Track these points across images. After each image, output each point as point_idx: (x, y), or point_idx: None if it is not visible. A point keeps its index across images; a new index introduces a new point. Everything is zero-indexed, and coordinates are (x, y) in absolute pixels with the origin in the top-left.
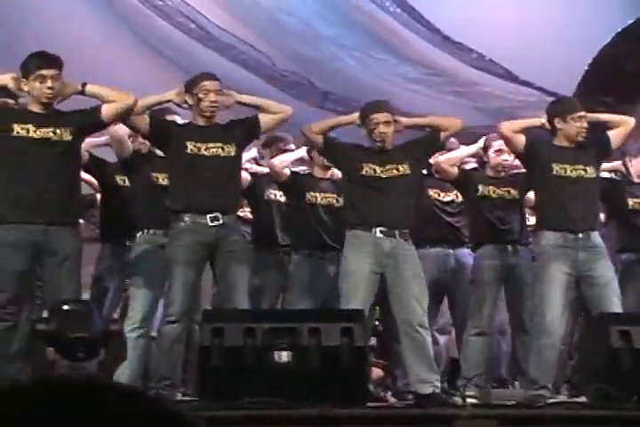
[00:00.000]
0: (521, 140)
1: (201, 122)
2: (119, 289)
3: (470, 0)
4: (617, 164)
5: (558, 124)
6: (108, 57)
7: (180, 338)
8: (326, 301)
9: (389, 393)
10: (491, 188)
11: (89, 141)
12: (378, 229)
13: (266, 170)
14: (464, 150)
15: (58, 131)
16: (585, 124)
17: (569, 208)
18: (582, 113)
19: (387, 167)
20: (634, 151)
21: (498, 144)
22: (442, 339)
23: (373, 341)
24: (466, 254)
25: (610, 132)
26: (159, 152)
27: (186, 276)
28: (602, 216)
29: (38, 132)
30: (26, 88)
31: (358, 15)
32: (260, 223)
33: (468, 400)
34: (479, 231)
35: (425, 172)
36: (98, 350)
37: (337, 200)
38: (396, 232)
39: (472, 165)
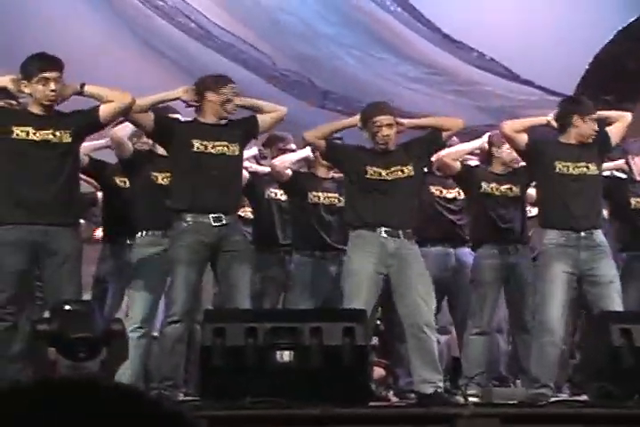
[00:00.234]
0: (523, 138)
1: (209, 120)
2: (120, 289)
3: (472, 2)
4: (620, 162)
5: (576, 121)
6: (108, 57)
7: (182, 338)
8: (327, 300)
9: (391, 392)
10: (494, 185)
11: (88, 145)
12: (382, 229)
13: (266, 169)
14: (467, 145)
15: (58, 133)
16: (597, 127)
17: (571, 206)
18: (596, 115)
19: (392, 169)
20: (636, 150)
21: None
22: (443, 338)
23: (375, 340)
24: (466, 253)
25: (609, 129)
26: (160, 151)
27: (188, 276)
28: (605, 213)
29: (38, 135)
30: (27, 90)
31: (358, 14)
32: (261, 223)
33: (470, 399)
34: (480, 229)
35: (425, 169)
36: (99, 350)
37: (339, 200)
38: (400, 232)
39: (474, 162)
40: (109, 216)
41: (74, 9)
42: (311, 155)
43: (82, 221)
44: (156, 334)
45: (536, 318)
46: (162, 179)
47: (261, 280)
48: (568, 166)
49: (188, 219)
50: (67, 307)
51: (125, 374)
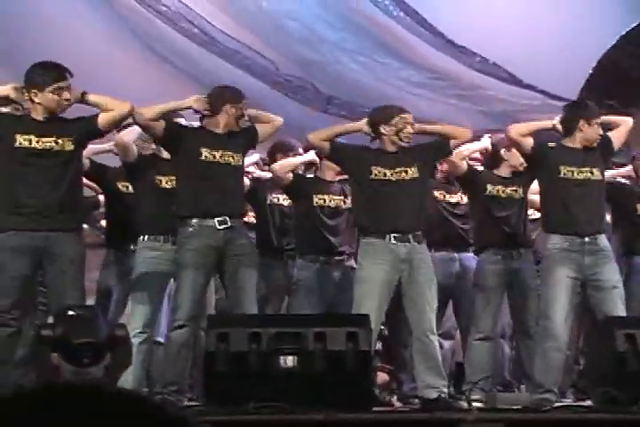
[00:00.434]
0: (529, 142)
1: (217, 130)
2: (124, 295)
3: (475, 6)
4: (626, 169)
5: (582, 126)
6: (111, 62)
7: (188, 343)
8: (331, 306)
9: (395, 398)
10: (499, 187)
11: (90, 148)
12: (392, 236)
13: (269, 175)
14: (473, 145)
15: (60, 140)
16: (601, 131)
17: (575, 211)
18: (600, 120)
19: (396, 170)
20: None
21: None
22: (447, 343)
23: (379, 345)
24: (470, 258)
25: (611, 133)
26: (164, 155)
27: (195, 280)
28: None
29: (40, 143)
30: (37, 99)
31: (362, 20)
32: (264, 228)
33: (474, 404)
34: (485, 233)
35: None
36: (103, 356)
37: (344, 202)
38: (410, 236)
39: (479, 168)
40: (112, 222)
41: (76, 13)
42: (316, 159)
43: (85, 226)
44: (159, 339)
45: (540, 323)
46: (166, 182)
47: (264, 285)
48: (573, 171)
49: (194, 223)
50: (70, 312)
51: (127, 379)
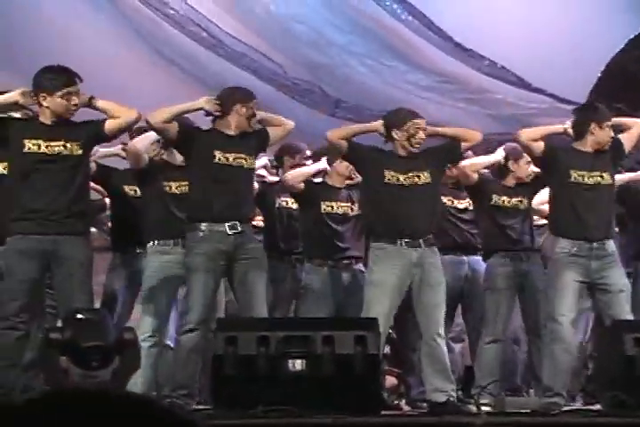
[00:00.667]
0: (540, 146)
1: (229, 132)
2: (130, 299)
3: (483, 9)
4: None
5: (594, 129)
6: (119, 65)
7: (198, 347)
8: (340, 309)
9: (403, 401)
10: (505, 198)
11: (99, 151)
12: (403, 241)
13: (276, 178)
14: (487, 158)
15: (68, 144)
16: (612, 134)
17: (585, 216)
18: (611, 122)
19: (409, 175)
20: None
21: None
22: (456, 347)
23: (387, 349)
24: (479, 262)
25: (622, 136)
26: (174, 162)
27: (205, 283)
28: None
29: (49, 148)
30: (45, 103)
31: (370, 23)
32: (272, 231)
33: (483, 408)
34: (491, 240)
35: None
36: (112, 359)
37: (352, 209)
38: (421, 241)
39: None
40: (118, 225)
41: (83, 16)
42: (328, 167)
43: (92, 229)
44: (168, 342)
45: (547, 327)
46: (175, 188)
47: (272, 289)
48: (583, 175)
49: (204, 228)
50: (79, 316)
51: (137, 383)
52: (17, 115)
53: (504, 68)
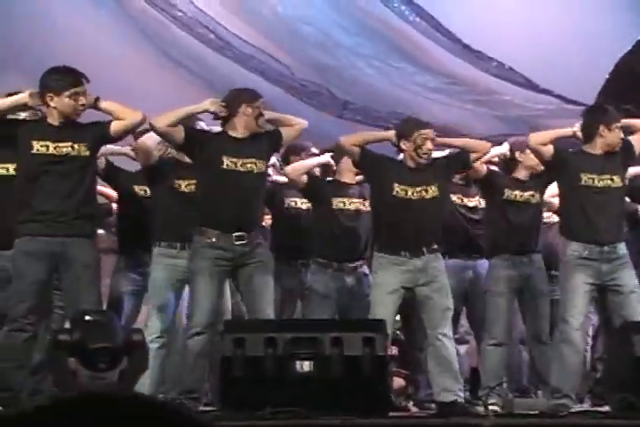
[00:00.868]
0: (549, 149)
1: (238, 134)
2: (136, 301)
3: (485, 10)
4: None
5: (603, 131)
6: (126, 67)
7: (204, 351)
8: (344, 311)
9: (411, 403)
10: (517, 192)
11: (107, 148)
12: (407, 253)
13: (284, 178)
14: (493, 150)
15: (76, 146)
16: (622, 135)
17: (595, 220)
18: (621, 123)
19: (417, 189)
20: None
21: None
22: (461, 349)
23: (395, 350)
24: (483, 265)
25: (632, 137)
26: (185, 159)
27: (210, 287)
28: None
29: (57, 149)
30: (52, 104)
31: (377, 25)
32: (279, 231)
33: (491, 409)
34: (497, 236)
35: None
36: (120, 361)
37: (363, 205)
38: (424, 249)
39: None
40: (126, 227)
41: (89, 17)
42: (331, 161)
43: (100, 231)
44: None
45: (558, 328)
46: (185, 186)
47: (278, 290)
48: (593, 179)
49: (210, 235)
50: (87, 317)
51: (145, 384)
52: (23, 115)
53: (512, 69)
